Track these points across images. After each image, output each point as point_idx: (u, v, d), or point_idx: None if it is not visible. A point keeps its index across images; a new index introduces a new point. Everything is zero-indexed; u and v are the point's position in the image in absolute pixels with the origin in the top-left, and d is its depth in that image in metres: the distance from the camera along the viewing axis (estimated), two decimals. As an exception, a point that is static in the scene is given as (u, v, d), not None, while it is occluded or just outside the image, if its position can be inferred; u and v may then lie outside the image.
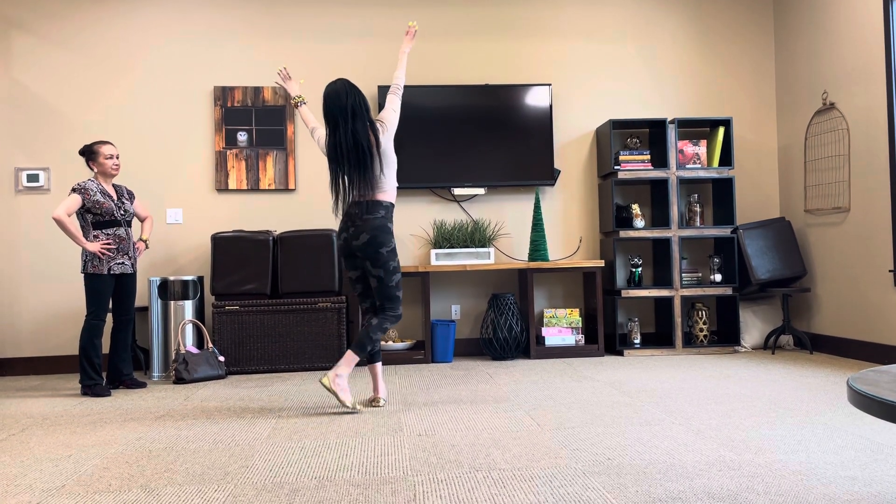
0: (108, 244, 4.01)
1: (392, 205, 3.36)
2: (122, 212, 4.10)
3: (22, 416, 3.46)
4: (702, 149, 5.08)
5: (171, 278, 4.60)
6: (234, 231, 4.72)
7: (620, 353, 4.93)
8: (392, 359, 4.76)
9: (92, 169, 4.09)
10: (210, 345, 4.47)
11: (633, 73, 5.38)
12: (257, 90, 5.10)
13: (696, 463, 2.34)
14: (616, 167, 4.99)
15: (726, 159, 5.10)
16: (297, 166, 5.14)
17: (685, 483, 2.14)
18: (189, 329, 4.59)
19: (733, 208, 5.03)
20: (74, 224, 4.62)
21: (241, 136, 5.08)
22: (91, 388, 3.95)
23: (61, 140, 4.99)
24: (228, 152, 5.07)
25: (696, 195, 5.15)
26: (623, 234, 4.95)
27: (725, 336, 5.14)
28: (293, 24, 5.19)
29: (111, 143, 4.13)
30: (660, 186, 5.13)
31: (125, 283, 4.15)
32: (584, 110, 5.34)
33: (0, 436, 3.05)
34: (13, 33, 4.97)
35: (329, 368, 4.58)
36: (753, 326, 5.12)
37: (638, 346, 5.00)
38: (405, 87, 5.03)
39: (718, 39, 5.44)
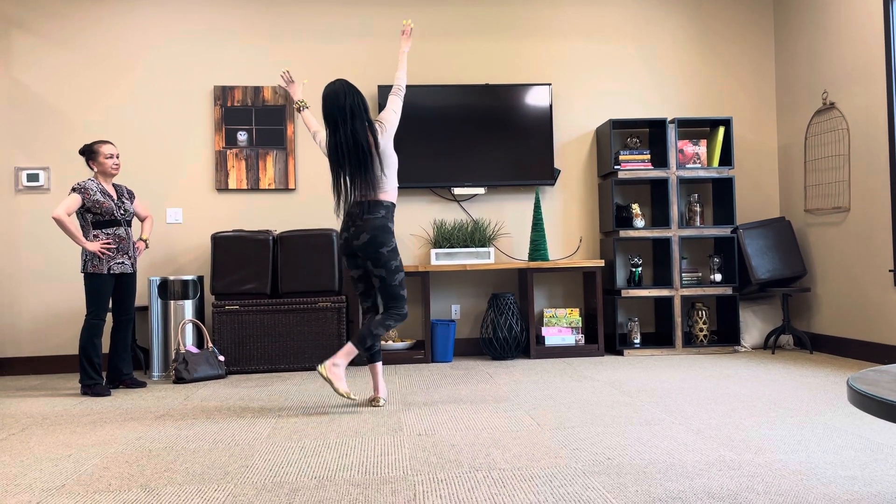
0: (108, 244, 4.00)
1: (393, 205, 3.36)
2: (122, 211, 4.10)
3: (22, 415, 3.46)
4: (702, 149, 5.08)
5: (171, 278, 4.60)
6: (234, 231, 4.72)
7: (620, 353, 4.93)
8: (392, 358, 4.76)
9: (92, 168, 4.08)
10: (210, 344, 4.47)
11: (633, 72, 5.38)
12: (257, 90, 5.10)
13: (696, 463, 2.34)
14: (616, 167, 4.99)
15: (726, 159, 5.10)
16: (296, 166, 5.14)
17: (685, 483, 2.14)
18: (189, 329, 4.59)
19: (733, 208, 5.04)
20: (74, 224, 4.62)
21: (241, 136, 5.08)
22: (91, 388, 3.95)
23: (61, 140, 4.99)
24: (228, 152, 5.07)
25: (696, 195, 5.15)
26: (623, 233, 4.95)
27: (725, 336, 5.14)
28: (293, 24, 5.19)
29: (111, 143, 4.13)
30: (660, 186, 5.13)
31: (125, 282, 4.14)
32: (584, 110, 5.34)
33: (0, 435, 3.05)
34: (13, 33, 4.97)
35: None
36: (753, 326, 5.12)
37: (638, 345, 5.00)
38: (406, 87, 5.03)
39: (718, 39, 5.44)
